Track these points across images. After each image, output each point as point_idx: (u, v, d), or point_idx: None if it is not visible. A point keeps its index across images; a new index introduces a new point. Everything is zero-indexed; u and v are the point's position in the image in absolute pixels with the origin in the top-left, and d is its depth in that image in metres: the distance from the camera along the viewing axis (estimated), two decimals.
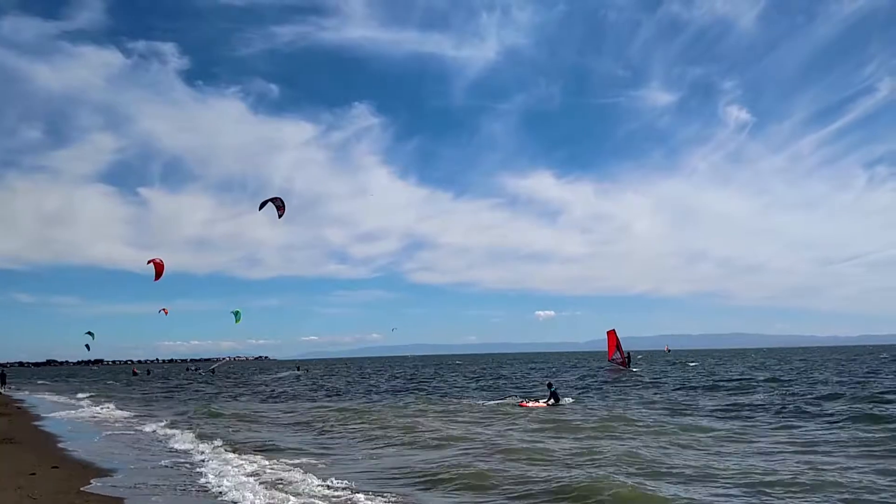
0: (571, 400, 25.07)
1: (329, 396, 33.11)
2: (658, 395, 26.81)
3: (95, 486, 10.54)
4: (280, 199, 26.86)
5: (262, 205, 26.94)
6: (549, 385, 26.13)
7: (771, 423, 17.07)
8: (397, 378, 51.87)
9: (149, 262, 34.71)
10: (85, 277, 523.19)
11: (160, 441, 16.35)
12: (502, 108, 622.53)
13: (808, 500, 8.91)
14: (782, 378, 36.27)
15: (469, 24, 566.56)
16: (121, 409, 27.19)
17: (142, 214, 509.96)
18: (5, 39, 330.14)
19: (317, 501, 9.38)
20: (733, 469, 10.84)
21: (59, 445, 15.66)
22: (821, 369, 47.40)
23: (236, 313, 52.14)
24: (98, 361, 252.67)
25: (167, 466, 12.44)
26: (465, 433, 16.13)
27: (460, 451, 13.32)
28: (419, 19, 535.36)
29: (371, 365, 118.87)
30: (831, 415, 18.30)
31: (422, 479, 10.85)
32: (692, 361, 76.90)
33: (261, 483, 10.59)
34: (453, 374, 55.82)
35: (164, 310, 57.58)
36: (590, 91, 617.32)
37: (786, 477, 10.08)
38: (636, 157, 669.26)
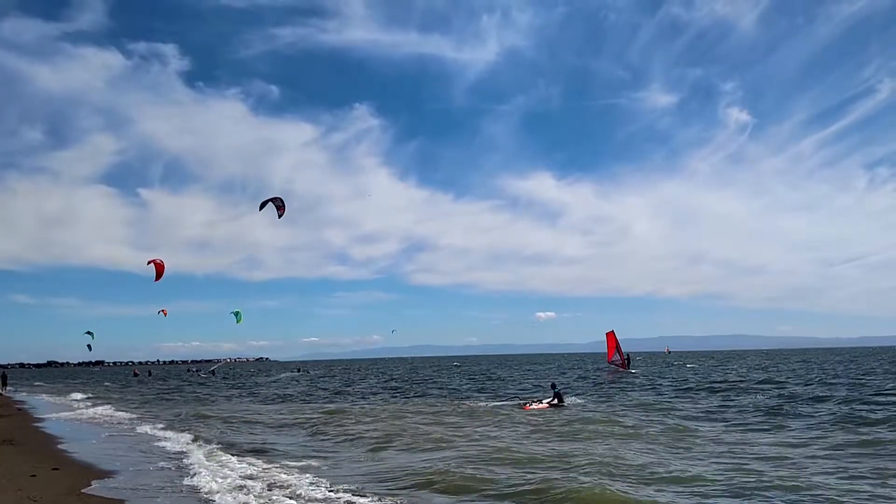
0: (578, 400, 25.01)
1: (327, 398, 33.16)
2: (652, 397, 26.86)
3: (96, 487, 10.62)
4: (280, 199, 26.91)
5: (263, 205, 27.01)
6: (553, 385, 26.17)
7: (753, 425, 17.18)
8: (396, 380, 51.88)
9: (149, 262, 34.82)
10: (85, 279, 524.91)
11: (159, 443, 16.42)
12: (502, 109, 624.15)
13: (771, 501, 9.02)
14: (778, 380, 36.28)
15: (469, 26, 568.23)
16: (121, 411, 27.25)
17: (142, 216, 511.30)
18: (6, 41, 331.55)
19: None
20: (704, 471, 10.95)
21: (60, 447, 15.72)
22: (818, 371, 47.40)
23: (237, 314, 52.20)
24: (99, 363, 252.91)
25: (166, 469, 12.53)
26: (458, 436, 16.22)
27: (451, 456, 13.31)
28: (419, 21, 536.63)
29: (371, 366, 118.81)
30: (817, 416, 18.46)
31: (410, 484, 10.83)
32: (689, 363, 76.93)
33: (257, 486, 10.67)
34: (453, 376, 55.80)
35: (163, 311, 57.75)
36: (590, 93, 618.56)
37: (749, 480, 10.19)
38: (636, 158, 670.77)
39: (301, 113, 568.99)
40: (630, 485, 10.13)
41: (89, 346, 65.21)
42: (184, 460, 13.34)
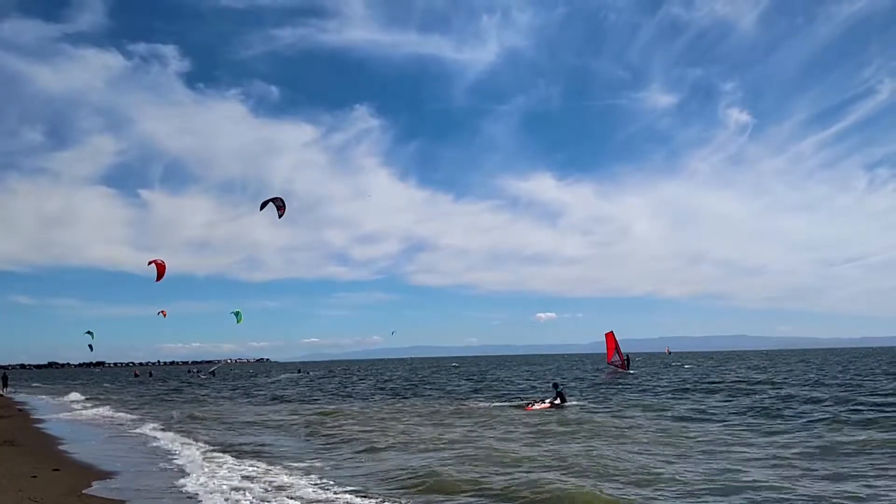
0: (573, 402, 25.09)
1: (326, 399, 33.27)
2: (648, 398, 26.91)
3: (97, 488, 10.71)
4: (281, 199, 27.01)
5: (264, 205, 27.11)
6: (556, 385, 26.24)
7: (744, 426, 17.24)
8: (394, 381, 51.97)
9: (150, 263, 34.87)
10: (85, 279, 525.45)
11: (159, 444, 16.51)
12: (502, 109, 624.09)
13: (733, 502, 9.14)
14: (775, 381, 36.41)
15: (469, 26, 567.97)
16: (121, 412, 27.41)
17: (142, 216, 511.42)
18: (6, 42, 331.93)
19: None
20: (692, 472, 11.05)
21: (60, 448, 15.82)
22: (816, 372, 47.49)
23: (237, 314, 52.30)
24: (99, 364, 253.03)
25: (166, 469, 12.64)
26: (450, 437, 16.33)
27: (441, 457, 13.35)
28: (419, 21, 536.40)
29: (371, 367, 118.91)
30: (807, 417, 18.59)
31: (398, 486, 10.86)
32: (687, 364, 77.15)
33: (257, 487, 10.81)
34: (451, 377, 55.92)
35: (162, 312, 57.97)
36: (590, 93, 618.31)
37: (736, 480, 10.28)
38: (637, 158, 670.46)
39: (301, 113, 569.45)
40: (618, 486, 10.22)
41: (91, 347, 65.40)
42: (183, 461, 13.44)
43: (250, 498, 9.94)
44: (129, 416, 25.60)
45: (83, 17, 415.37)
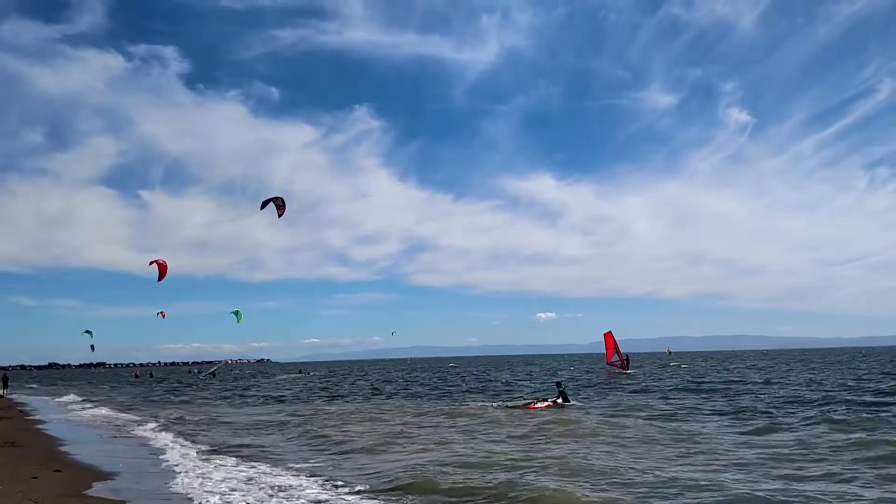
0: (577, 403, 25.09)
1: (326, 400, 33.34)
2: (642, 398, 26.95)
3: (98, 489, 10.76)
4: (281, 198, 27.02)
5: (264, 204, 27.12)
6: (559, 384, 26.30)
7: (732, 427, 17.24)
8: (392, 381, 52.02)
9: (151, 262, 34.85)
10: (86, 280, 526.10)
11: (160, 445, 16.58)
12: (502, 109, 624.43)
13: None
14: (772, 381, 36.52)
15: (469, 27, 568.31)
16: (122, 413, 27.48)
17: (142, 217, 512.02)
18: (6, 43, 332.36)
19: None
20: (673, 472, 11.08)
21: (62, 449, 15.87)
22: (812, 371, 47.58)
23: (237, 313, 52.27)
24: (100, 364, 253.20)
25: (167, 470, 12.70)
26: (437, 437, 16.44)
27: (422, 458, 13.34)
28: (419, 22, 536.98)
29: (370, 368, 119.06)
30: (795, 417, 18.67)
31: (382, 489, 10.77)
32: (685, 364, 77.53)
33: (256, 489, 10.88)
34: (448, 378, 56.00)
35: (161, 313, 58.04)
36: (590, 93, 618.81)
37: (715, 481, 10.27)
38: (637, 158, 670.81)
39: (301, 114, 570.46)
40: (593, 486, 10.19)
41: (92, 347, 65.44)
42: (183, 462, 13.51)
43: (250, 499, 10.01)
44: (129, 416, 25.66)
45: (83, 19, 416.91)
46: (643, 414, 20.92)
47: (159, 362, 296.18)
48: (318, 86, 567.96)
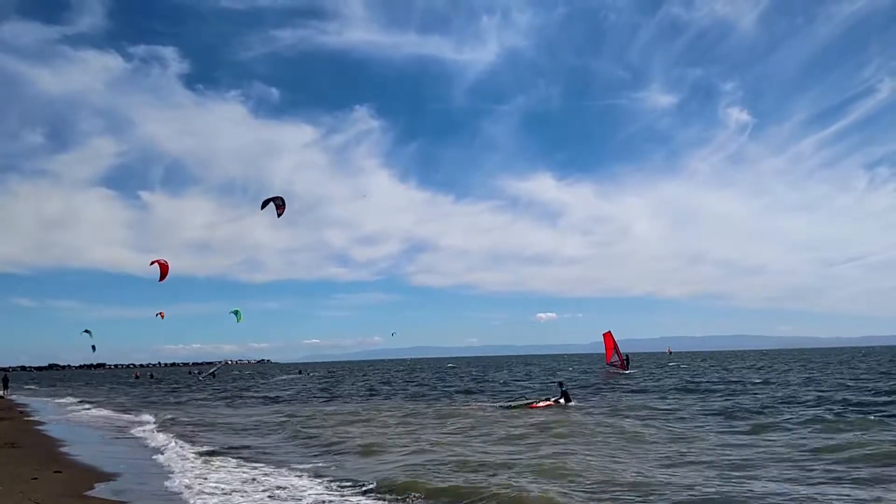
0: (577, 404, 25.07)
1: (325, 400, 33.39)
2: (640, 399, 26.93)
3: (98, 490, 10.79)
4: (281, 198, 27.03)
5: (265, 203, 27.12)
6: (561, 384, 26.33)
7: (724, 429, 17.17)
8: (390, 382, 52.05)
9: (153, 262, 34.82)
10: (86, 281, 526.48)
11: (160, 446, 16.62)
12: (502, 110, 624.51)
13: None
14: (769, 381, 36.56)
15: (469, 27, 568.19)
16: (122, 414, 27.53)
17: (143, 218, 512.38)
18: (6, 44, 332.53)
19: None
20: (656, 473, 11.10)
21: (62, 450, 15.91)
22: (810, 371, 47.61)
23: (236, 312, 52.29)
24: (100, 365, 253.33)
25: (167, 472, 12.74)
26: (432, 438, 16.47)
27: (414, 460, 13.37)
28: (419, 22, 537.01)
29: (370, 368, 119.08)
30: (784, 417, 18.70)
31: (366, 488, 10.84)
32: (683, 364, 77.74)
33: (256, 489, 10.95)
34: (446, 378, 56.04)
35: (160, 314, 58.07)
36: (590, 93, 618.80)
37: (695, 483, 10.26)
38: (637, 158, 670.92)
39: (301, 115, 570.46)
40: (575, 488, 10.20)
41: (93, 347, 65.58)
42: (183, 463, 13.56)
43: (250, 500, 10.07)
44: (129, 417, 25.71)
45: (83, 19, 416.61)
46: (638, 414, 20.95)
47: (159, 363, 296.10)
48: (318, 86, 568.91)
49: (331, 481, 11.39)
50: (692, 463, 12.28)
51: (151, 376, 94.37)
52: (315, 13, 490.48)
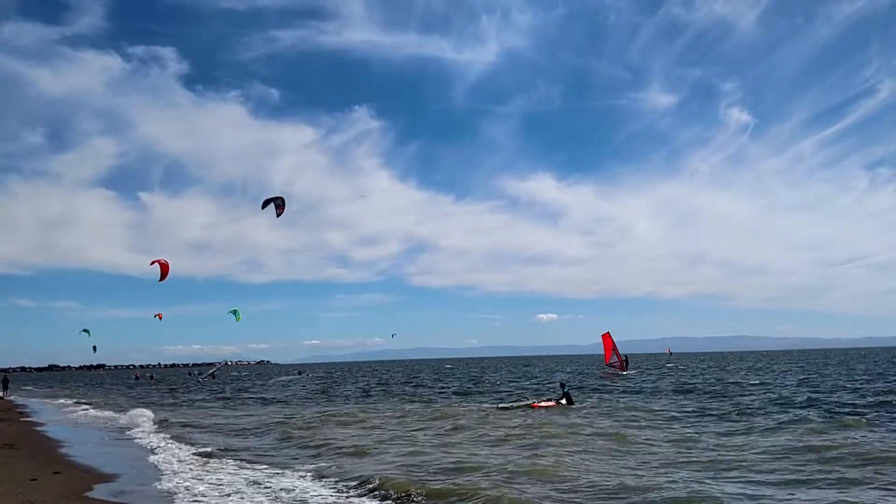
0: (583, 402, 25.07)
1: (324, 401, 33.43)
2: (640, 400, 26.99)
3: (98, 491, 10.86)
4: (281, 198, 26.96)
5: (265, 203, 27.08)
6: (563, 385, 26.27)
7: (719, 430, 17.11)
8: (389, 383, 52.07)
9: (153, 262, 34.78)
10: (86, 282, 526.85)
11: (159, 447, 16.69)
12: (502, 110, 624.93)
13: None
14: (767, 382, 36.57)
15: (469, 27, 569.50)
16: (121, 415, 27.54)
17: (142, 219, 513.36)
18: (6, 45, 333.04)
19: None
20: (641, 476, 11.09)
21: (61, 451, 15.99)
22: (810, 373, 47.61)
23: (235, 312, 52.32)
24: (100, 366, 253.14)
25: (166, 472, 12.80)
26: (426, 438, 16.57)
27: (400, 462, 13.44)
28: (419, 22, 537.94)
29: (369, 369, 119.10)
30: (775, 419, 18.73)
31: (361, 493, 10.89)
32: (682, 365, 77.92)
33: (254, 490, 11.03)
34: (444, 379, 56.05)
35: (158, 315, 58.14)
36: (590, 93, 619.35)
37: (677, 485, 10.26)
38: (637, 159, 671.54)
39: (301, 115, 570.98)
40: (566, 491, 10.24)
41: (94, 348, 65.77)
42: (182, 464, 13.64)
43: (251, 501, 10.13)
44: (128, 418, 25.73)
45: (82, 20, 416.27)
46: (634, 415, 20.98)
47: (159, 364, 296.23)
48: (317, 86, 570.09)
49: (331, 482, 11.47)
50: (684, 463, 12.36)
51: (151, 377, 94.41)
52: (315, 13, 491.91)
